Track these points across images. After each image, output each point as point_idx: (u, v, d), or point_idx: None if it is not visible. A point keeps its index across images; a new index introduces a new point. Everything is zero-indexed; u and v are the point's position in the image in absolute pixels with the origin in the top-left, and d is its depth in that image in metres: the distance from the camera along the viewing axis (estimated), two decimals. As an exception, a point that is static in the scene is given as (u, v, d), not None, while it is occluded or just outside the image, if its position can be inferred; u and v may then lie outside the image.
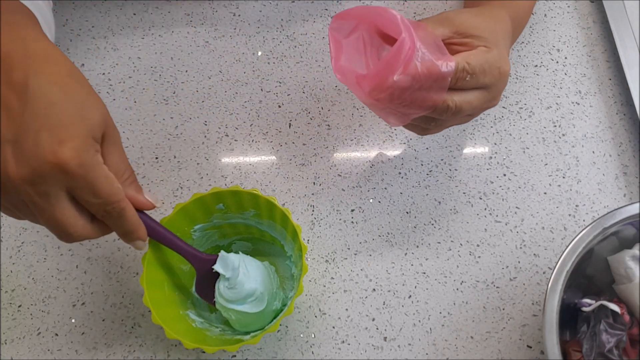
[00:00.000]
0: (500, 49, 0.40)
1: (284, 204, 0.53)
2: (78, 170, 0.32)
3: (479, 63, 0.38)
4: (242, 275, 0.42)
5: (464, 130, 0.56)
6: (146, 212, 0.40)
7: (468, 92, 0.40)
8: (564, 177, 0.54)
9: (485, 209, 0.53)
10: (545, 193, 0.53)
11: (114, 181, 0.35)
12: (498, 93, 0.42)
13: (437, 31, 0.39)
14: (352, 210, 0.53)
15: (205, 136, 0.56)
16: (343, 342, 0.48)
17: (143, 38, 0.60)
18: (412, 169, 0.54)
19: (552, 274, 0.41)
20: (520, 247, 0.51)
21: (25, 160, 0.31)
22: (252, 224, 0.48)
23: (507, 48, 0.42)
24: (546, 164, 0.54)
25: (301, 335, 0.48)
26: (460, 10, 0.43)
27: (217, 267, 0.43)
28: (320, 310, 0.49)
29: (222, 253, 0.43)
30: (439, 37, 0.39)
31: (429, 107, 0.38)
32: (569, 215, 0.52)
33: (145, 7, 0.61)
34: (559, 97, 0.57)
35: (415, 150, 0.55)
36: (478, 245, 0.51)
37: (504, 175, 0.54)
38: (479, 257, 0.51)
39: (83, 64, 0.59)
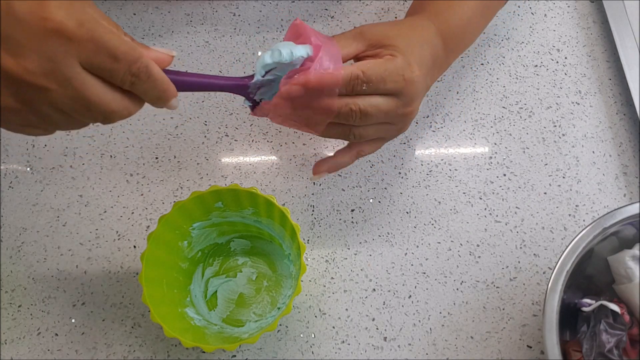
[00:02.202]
0: (408, 56, 0.40)
1: (284, 203, 0.53)
2: (79, 31, 0.28)
3: (375, 72, 0.39)
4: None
5: (464, 130, 0.56)
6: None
7: (373, 97, 0.40)
8: (564, 177, 0.54)
9: (485, 209, 0.53)
10: (545, 193, 0.53)
11: (123, 36, 0.30)
12: (410, 100, 0.41)
13: (351, 47, 0.40)
14: (352, 210, 0.53)
15: (205, 136, 0.56)
16: (343, 342, 0.48)
17: (143, 38, 0.60)
18: (412, 169, 0.54)
19: (552, 274, 0.41)
20: (520, 247, 0.51)
21: (19, 48, 0.27)
22: (251, 222, 0.49)
23: (423, 56, 0.42)
24: (546, 164, 0.54)
25: (301, 335, 0.48)
26: (377, 23, 0.44)
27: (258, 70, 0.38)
28: (320, 310, 0.49)
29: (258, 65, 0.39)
30: (351, 52, 0.40)
31: (326, 110, 0.39)
32: (569, 215, 0.52)
33: (145, 7, 0.61)
34: (559, 97, 0.57)
35: (415, 150, 0.55)
36: (478, 245, 0.51)
37: (504, 175, 0.54)
38: (479, 257, 0.51)
39: (83, 64, 0.59)
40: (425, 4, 0.48)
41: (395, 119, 0.42)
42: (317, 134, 0.42)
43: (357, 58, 0.41)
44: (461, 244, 0.51)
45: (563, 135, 0.56)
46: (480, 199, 0.53)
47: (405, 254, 0.51)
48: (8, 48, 0.28)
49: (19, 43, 0.28)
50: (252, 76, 0.39)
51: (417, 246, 0.51)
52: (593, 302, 0.44)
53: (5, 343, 0.48)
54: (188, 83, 0.36)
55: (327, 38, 0.40)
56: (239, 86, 0.39)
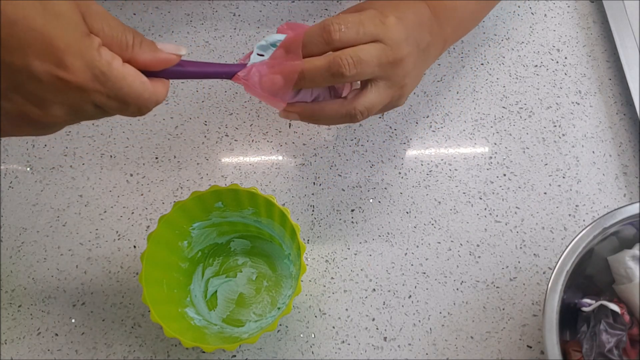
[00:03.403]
0: (381, 9, 0.40)
1: (284, 203, 0.53)
2: (94, 84, 0.30)
3: (350, 17, 0.38)
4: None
5: (464, 130, 0.56)
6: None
7: (358, 46, 0.38)
8: (564, 177, 0.54)
9: (485, 209, 0.53)
10: (545, 193, 0.53)
11: (135, 77, 0.32)
12: (396, 45, 0.40)
13: None
14: (352, 210, 0.53)
15: (205, 136, 0.56)
16: (343, 342, 0.48)
17: (143, 38, 0.60)
18: (412, 169, 0.54)
19: (552, 274, 0.41)
20: (520, 247, 0.51)
21: (43, 101, 0.30)
22: (251, 222, 0.49)
23: (401, 12, 0.41)
24: (546, 164, 0.54)
25: (301, 335, 0.48)
26: None
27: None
28: (320, 310, 0.49)
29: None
30: None
31: (292, 68, 0.38)
32: (569, 215, 0.52)
33: (145, 7, 0.61)
34: (559, 97, 0.57)
35: (415, 150, 0.55)
36: (478, 245, 0.51)
37: (504, 175, 0.54)
38: (479, 257, 0.51)
39: (83, 64, 0.59)
40: None
41: (388, 70, 0.40)
42: (284, 103, 0.41)
43: None
44: (461, 244, 0.51)
45: (563, 135, 0.56)
46: (480, 199, 0.53)
47: (405, 254, 0.51)
48: (33, 102, 0.30)
49: (43, 98, 0.30)
50: (244, 64, 0.39)
51: (417, 246, 0.51)
52: (593, 302, 0.44)
53: (5, 343, 0.48)
54: (187, 74, 0.37)
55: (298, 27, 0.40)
56: (234, 73, 0.39)
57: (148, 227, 0.52)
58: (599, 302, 0.43)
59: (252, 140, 0.56)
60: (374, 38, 0.39)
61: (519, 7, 0.62)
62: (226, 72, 0.38)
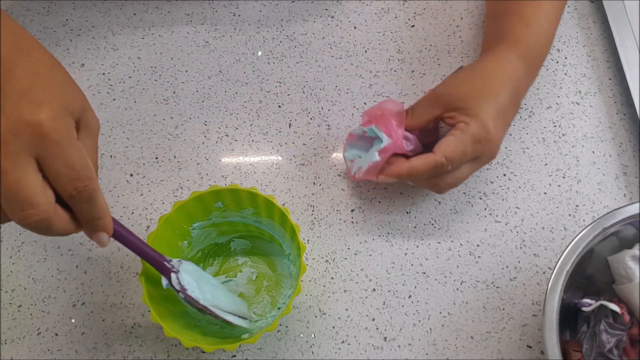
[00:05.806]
0: (481, 116, 0.44)
1: (284, 203, 0.53)
2: (52, 134, 0.31)
3: (456, 152, 0.44)
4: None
5: (464, 130, 0.56)
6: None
7: (457, 170, 0.46)
8: (564, 177, 0.54)
9: (485, 209, 0.53)
10: (545, 193, 0.53)
11: (87, 158, 0.33)
12: (491, 153, 0.46)
13: (429, 114, 0.47)
14: (352, 210, 0.53)
15: (205, 136, 0.56)
16: (343, 342, 0.48)
17: (143, 38, 0.60)
18: (412, 169, 0.54)
19: (552, 274, 0.41)
20: (520, 247, 0.51)
21: (2, 116, 0.31)
22: (251, 222, 0.49)
23: (497, 107, 0.45)
24: (546, 164, 0.54)
25: (301, 335, 0.48)
26: (450, 81, 0.48)
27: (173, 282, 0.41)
28: (320, 310, 0.49)
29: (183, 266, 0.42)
30: (430, 118, 0.47)
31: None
32: (569, 215, 0.52)
33: (145, 7, 0.61)
34: (559, 97, 0.57)
35: (415, 150, 0.55)
36: (478, 245, 0.51)
37: (504, 175, 0.54)
38: (479, 257, 0.51)
39: (83, 64, 0.59)
40: (503, 31, 0.50)
41: (481, 164, 0.47)
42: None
43: (437, 119, 0.47)
44: (461, 244, 0.51)
45: (563, 135, 0.56)
46: (480, 199, 0.53)
47: (405, 254, 0.51)
48: None
49: (3, 113, 0.31)
50: (171, 269, 0.41)
51: (417, 246, 0.51)
52: (593, 302, 0.44)
53: (5, 343, 0.48)
54: (125, 239, 0.38)
55: (398, 118, 0.47)
56: (161, 265, 0.41)
57: (148, 227, 0.52)
58: (599, 302, 0.43)
59: (252, 140, 0.56)
60: (474, 159, 0.46)
61: (519, 7, 0.62)
62: (158, 264, 0.41)
